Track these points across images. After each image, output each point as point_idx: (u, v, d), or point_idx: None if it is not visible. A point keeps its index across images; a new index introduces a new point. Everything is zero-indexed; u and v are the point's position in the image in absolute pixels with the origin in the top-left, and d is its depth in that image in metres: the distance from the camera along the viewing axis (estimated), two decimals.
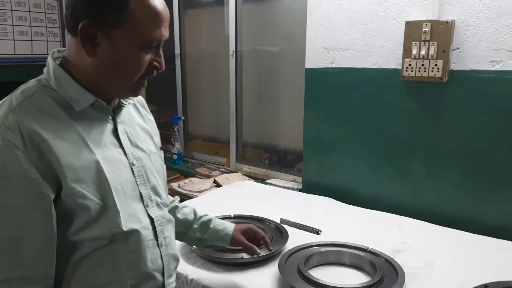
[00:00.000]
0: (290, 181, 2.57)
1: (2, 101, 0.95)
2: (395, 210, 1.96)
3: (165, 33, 1.00)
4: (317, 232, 1.74)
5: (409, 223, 1.85)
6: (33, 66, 3.30)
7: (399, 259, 1.45)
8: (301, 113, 2.31)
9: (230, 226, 1.40)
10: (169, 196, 1.35)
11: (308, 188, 2.33)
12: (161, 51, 1.02)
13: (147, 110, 1.25)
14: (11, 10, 3.20)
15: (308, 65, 2.23)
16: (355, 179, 2.15)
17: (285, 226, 1.76)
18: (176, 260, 1.18)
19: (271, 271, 1.43)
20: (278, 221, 1.81)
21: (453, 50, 1.76)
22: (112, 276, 0.99)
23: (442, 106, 1.83)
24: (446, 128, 1.85)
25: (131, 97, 1.13)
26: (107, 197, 0.97)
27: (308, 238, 1.66)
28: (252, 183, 2.55)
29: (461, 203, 1.83)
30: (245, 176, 2.71)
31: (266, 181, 2.59)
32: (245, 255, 1.46)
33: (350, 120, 2.12)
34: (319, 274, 1.37)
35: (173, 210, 1.36)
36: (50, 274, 0.92)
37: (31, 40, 3.34)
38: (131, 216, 1.02)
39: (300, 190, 2.38)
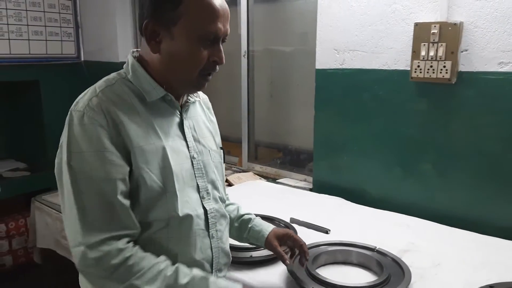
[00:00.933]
0: (301, 180, 2.60)
1: (86, 91, 1.08)
2: (404, 210, 1.97)
3: (222, 27, 1.06)
4: (326, 231, 1.77)
5: (418, 223, 1.86)
6: (48, 66, 3.39)
7: (406, 259, 1.47)
8: (313, 113, 2.34)
9: (267, 229, 1.39)
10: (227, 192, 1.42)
11: (319, 187, 2.35)
12: (220, 46, 1.08)
13: (211, 111, 1.35)
14: (26, 10, 3.26)
15: (319, 66, 2.25)
16: (365, 179, 2.17)
17: (294, 225, 1.79)
18: (227, 256, 1.25)
19: (279, 269, 1.46)
20: (288, 220, 1.84)
21: (462, 52, 1.77)
22: None
23: (451, 107, 1.84)
24: (456, 129, 1.85)
25: (196, 94, 1.23)
26: (168, 182, 1.06)
27: (317, 237, 1.68)
28: (263, 182, 2.59)
29: (471, 204, 1.83)
30: (256, 176, 2.75)
31: (277, 180, 2.62)
32: (253, 254, 1.50)
33: (360, 121, 2.14)
34: (327, 273, 1.39)
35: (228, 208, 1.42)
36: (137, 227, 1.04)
37: (46, 40, 3.40)
38: (187, 203, 1.10)
39: (310, 190, 2.41)
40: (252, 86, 2.91)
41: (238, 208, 1.45)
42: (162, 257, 1.04)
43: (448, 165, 1.89)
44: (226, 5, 1.07)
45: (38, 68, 3.34)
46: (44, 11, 3.37)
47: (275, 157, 2.92)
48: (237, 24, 2.83)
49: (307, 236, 1.68)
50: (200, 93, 1.30)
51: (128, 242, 1.01)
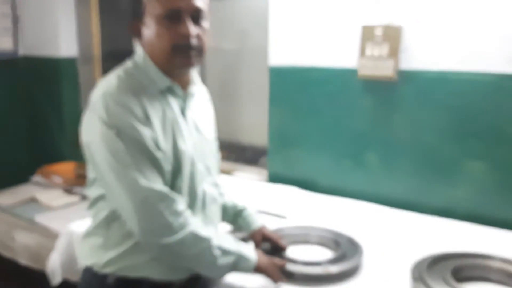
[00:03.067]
0: (255, 174, 2.72)
1: (109, 77, 1.21)
2: (353, 196, 2.15)
3: (182, 4, 1.16)
4: (283, 217, 1.90)
5: (366, 207, 2.04)
6: None
7: (359, 238, 1.63)
8: (263, 110, 2.46)
9: (257, 225, 1.55)
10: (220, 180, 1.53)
11: (273, 180, 2.48)
12: (186, 21, 1.17)
13: (210, 103, 1.50)
14: None
15: (272, 63, 2.38)
16: (317, 171, 2.32)
17: None
18: None
19: None
20: None
21: (402, 52, 1.97)
22: None
23: (394, 102, 2.04)
24: (398, 123, 2.05)
25: (197, 87, 1.34)
26: (178, 163, 1.20)
27: (274, 224, 1.80)
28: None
29: (411, 188, 2.04)
30: None
31: (231, 174, 2.72)
32: None
33: (312, 116, 2.29)
34: (288, 252, 1.53)
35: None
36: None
37: None
38: (191, 182, 1.25)
39: (265, 182, 2.53)
40: (205, 84, 2.99)
41: (232, 199, 1.58)
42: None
43: (391, 155, 2.09)
44: None
45: None
46: None
47: (228, 153, 3.02)
48: None
49: (266, 223, 1.80)
50: (201, 86, 1.43)
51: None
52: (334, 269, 1.40)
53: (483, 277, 1.43)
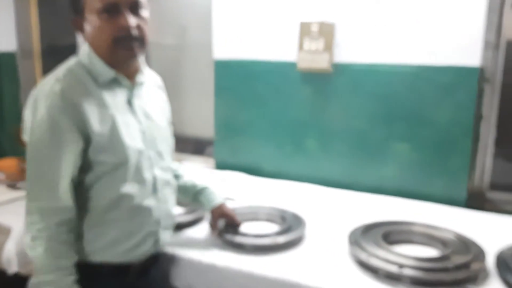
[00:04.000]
0: (202, 163, 2.84)
1: (48, 78, 1.22)
2: (296, 179, 2.35)
3: None
4: (232, 199, 2.04)
5: (308, 188, 2.25)
6: None
7: (302, 214, 1.81)
8: (206, 102, 2.60)
9: (216, 202, 1.64)
10: (175, 162, 1.60)
11: (220, 167, 2.62)
12: (125, 13, 1.21)
13: (163, 90, 1.53)
14: None
15: (217, 57, 2.52)
16: (262, 157, 2.49)
17: None
18: (172, 217, 1.45)
19: (200, 229, 1.73)
20: None
21: (336, 46, 2.18)
22: None
23: (330, 92, 2.25)
24: (333, 111, 2.26)
25: (145, 75, 1.37)
26: (119, 153, 1.24)
27: None
28: None
29: (346, 169, 2.27)
30: None
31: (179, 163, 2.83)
32: (179, 219, 1.72)
33: (256, 106, 2.46)
34: (241, 228, 1.67)
35: (177, 178, 1.58)
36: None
37: None
38: (137, 171, 1.30)
39: (212, 169, 2.66)
40: None
41: (193, 180, 1.67)
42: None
43: (328, 140, 2.30)
44: None
45: None
46: None
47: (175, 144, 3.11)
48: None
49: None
50: (151, 74, 1.49)
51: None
52: (281, 239, 1.58)
53: (408, 240, 1.66)
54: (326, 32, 2.17)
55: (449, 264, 1.40)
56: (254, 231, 1.64)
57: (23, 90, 3.24)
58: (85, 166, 1.23)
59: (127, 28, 1.21)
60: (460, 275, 1.36)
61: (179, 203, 1.65)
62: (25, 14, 3.25)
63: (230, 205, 1.87)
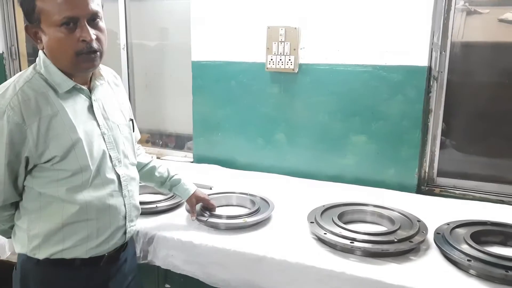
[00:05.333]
0: (182, 157, 3.05)
1: (6, 86, 1.23)
2: (266, 170, 2.58)
3: (78, 9, 1.18)
4: (210, 188, 2.26)
5: (277, 178, 2.49)
6: None
7: (270, 198, 2.04)
8: (185, 100, 2.80)
9: (191, 190, 1.79)
10: (148, 156, 1.72)
11: (198, 161, 2.84)
12: (86, 25, 1.21)
13: (120, 88, 1.53)
14: None
15: (194, 58, 2.72)
16: (235, 151, 2.72)
17: None
18: (138, 209, 1.51)
19: (178, 214, 1.95)
20: None
21: (301, 49, 2.41)
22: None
23: (296, 90, 2.48)
24: (299, 107, 2.50)
25: (101, 77, 1.39)
26: (80, 162, 1.27)
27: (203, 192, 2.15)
28: None
29: (310, 160, 2.51)
30: None
31: (161, 158, 3.03)
32: (158, 205, 1.94)
33: (230, 103, 2.68)
34: (216, 211, 1.90)
35: (151, 169, 1.71)
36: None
37: None
38: (101, 174, 1.34)
39: (191, 163, 2.88)
40: (132, 78, 3.25)
41: (168, 169, 1.78)
42: None
43: (294, 134, 2.54)
44: None
45: None
46: None
47: (156, 140, 3.30)
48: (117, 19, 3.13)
49: None
50: (107, 73, 1.48)
51: None
52: (251, 219, 1.81)
53: (361, 219, 1.91)
54: (292, 35, 2.40)
55: (394, 237, 1.63)
56: (227, 214, 1.86)
57: None
58: (40, 170, 1.26)
59: (88, 42, 1.21)
60: (403, 246, 1.59)
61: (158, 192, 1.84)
62: (12, 15, 3.38)
63: (207, 192, 2.08)
